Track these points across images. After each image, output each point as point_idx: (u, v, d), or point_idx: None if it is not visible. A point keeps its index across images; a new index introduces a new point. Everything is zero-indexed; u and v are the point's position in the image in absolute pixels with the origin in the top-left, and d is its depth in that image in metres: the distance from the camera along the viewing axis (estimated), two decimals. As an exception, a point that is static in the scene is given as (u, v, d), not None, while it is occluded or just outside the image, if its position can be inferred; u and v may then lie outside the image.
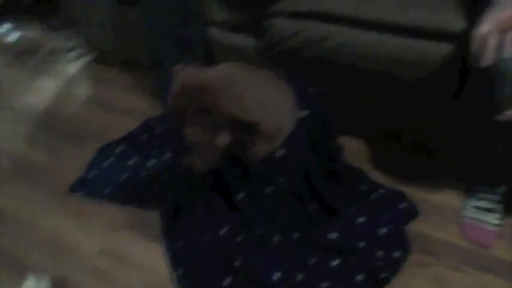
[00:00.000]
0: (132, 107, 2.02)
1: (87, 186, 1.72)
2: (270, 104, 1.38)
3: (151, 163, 1.77)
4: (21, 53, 2.39)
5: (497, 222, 1.46)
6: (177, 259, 1.50)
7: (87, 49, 2.31)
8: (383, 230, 1.44)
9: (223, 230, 1.48)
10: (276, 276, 1.36)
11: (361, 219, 1.47)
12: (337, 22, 1.53)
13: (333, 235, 1.44)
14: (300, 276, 1.36)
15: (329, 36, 1.55)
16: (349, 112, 1.72)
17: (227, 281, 1.38)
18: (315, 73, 1.66)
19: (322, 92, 1.50)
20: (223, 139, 1.36)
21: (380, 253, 1.39)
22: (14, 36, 2.47)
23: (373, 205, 1.52)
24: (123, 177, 1.73)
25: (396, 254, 1.40)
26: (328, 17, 1.54)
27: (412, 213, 1.52)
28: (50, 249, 1.56)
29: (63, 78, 2.23)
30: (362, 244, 1.41)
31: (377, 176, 1.62)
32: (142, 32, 1.82)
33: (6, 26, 2.53)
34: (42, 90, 2.17)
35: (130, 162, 1.78)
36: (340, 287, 1.34)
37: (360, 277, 1.35)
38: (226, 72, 1.40)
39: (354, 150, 1.71)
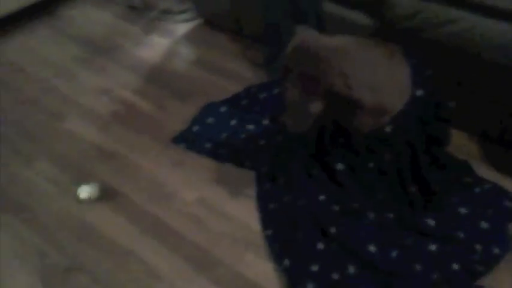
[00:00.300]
0: (235, 72, 2.07)
1: (189, 140, 1.80)
2: (379, 82, 1.37)
3: (250, 127, 1.82)
4: (135, 9, 2.51)
5: None
6: (269, 220, 1.54)
7: (197, 13, 2.39)
8: (485, 225, 1.41)
9: (321, 198, 1.50)
10: (371, 248, 1.36)
11: (463, 210, 1.44)
12: (465, 7, 1.48)
13: (431, 221, 1.42)
14: (394, 253, 1.36)
15: (454, 20, 1.50)
16: (460, 104, 1.68)
17: (320, 245, 1.40)
18: (430, 57, 1.63)
19: (438, 76, 1.47)
20: (316, 107, 1.38)
21: (478, 246, 1.36)
22: (130, -7, 2.59)
23: (477, 198, 1.48)
24: (224, 136, 1.79)
25: (495, 250, 1.36)
26: (455, 0, 1.50)
27: None
28: (150, 191, 1.65)
29: (172, 37, 2.33)
30: (461, 235, 1.38)
31: (483, 172, 1.57)
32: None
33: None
34: (152, 46, 2.28)
35: (232, 123, 1.83)
36: (434, 271, 1.32)
37: (455, 266, 1.33)
38: (343, 44, 1.40)
39: (460, 144, 1.66)
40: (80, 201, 1.60)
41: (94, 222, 1.57)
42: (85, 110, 1.96)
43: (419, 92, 1.39)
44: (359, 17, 1.77)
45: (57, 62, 2.22)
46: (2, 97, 2.05)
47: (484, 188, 1.50)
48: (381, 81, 1.38)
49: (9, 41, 2.36)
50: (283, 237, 1.48)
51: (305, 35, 1.39)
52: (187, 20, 2.42)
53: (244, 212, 1.56)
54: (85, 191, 1.61)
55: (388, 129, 1.39)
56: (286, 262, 1.40)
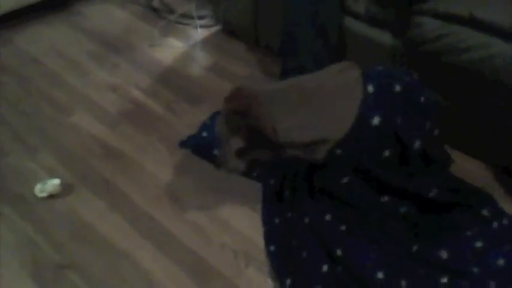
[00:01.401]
0: (249, 82, 2.03)
1: (196, 145, 1.75)
2: (312, 121, 1.40)
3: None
4: (154, 11, 2.49)
5: None
6: (272, 235, 1.48)
7: (216, 20, 2.37)
8: (501, 261, 1.34)
9: (328, 217, 1.45)
10: (379, 275, 1.30)
11: (479, 244, 1.38)
12: (495, 33, 1.44)
13: (444, 253, 1.36)
14: (404, 283, 1.29)
15: (481, 45, 1.46)
16: (474, 131, 1.63)
17: (325, 268, 1.34)
18: (449, 81, 1.59)
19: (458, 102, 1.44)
20: (236, 143, 1.43)
21: (493, 283, 1.29)
22: (151, -5, 2.58)
23: (494, 233, 1.41)
24: (232, 144, 1.75)
25: None
26: (486, 25, 1.46)
27: None
28: (152, 194, 1.60)
29: (189, 42, 2.30)
30: (476, 269, 1.32)
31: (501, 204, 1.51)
32: (280, 10, 1.84)
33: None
34: (168, 49, 2.25)
35: (241, 133, 1.79)
36: None
37: None
38: (284, 88, 1.47)
39: (477, 173, 1.61)
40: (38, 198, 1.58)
41: (91, 221, 1.52)
42: (94, 106, 1.93)
43: (376, 120, 1.36)
44: (381, 36, 1.74)
45: (71, 56, 2.19)
46: (12, 86, 2.02)
47: (502, 223, 1.44)
48: (317, 118, 1.41)
49: (24, 31, 2.34)
50: (286, 254, 1.42)
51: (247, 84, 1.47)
52: (205, 26, 2.40)
53: (248, 225, 1.51)
54: (42, 189, 1.58)
55: (338, 152, 1.39)
56: (288, 281, 1.34)
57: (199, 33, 2.36)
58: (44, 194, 1.56)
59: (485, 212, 1.46)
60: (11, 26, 2.35)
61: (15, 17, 2.35)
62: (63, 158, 1.71)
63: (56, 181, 1.58)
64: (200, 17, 2.43)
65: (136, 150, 1.75)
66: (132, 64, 2.15)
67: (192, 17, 2.43)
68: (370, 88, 1.40)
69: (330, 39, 1.78)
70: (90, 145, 1.77)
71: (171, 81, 2.06)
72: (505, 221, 1.44)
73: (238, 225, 1.51)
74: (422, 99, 1.45)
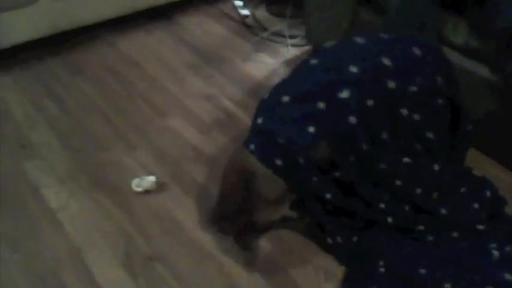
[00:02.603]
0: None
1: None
2: None
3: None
4: (249, 27, 2.60)
5: None
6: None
7: (307, 40, 2.43)
8: None
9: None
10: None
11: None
12: None
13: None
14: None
15: None
16: None
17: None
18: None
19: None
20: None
21: None
22: (245, 12, 2.69)
23: None
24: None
25: None
26: None
27: None
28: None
29: (279, 59, 2.38)
30: None
31: None
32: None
33: (239, 3, 2.77)
34: (260, 64, 2.34)
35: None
36: None
37: None
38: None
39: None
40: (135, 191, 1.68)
41: (182, 219, 1.61)
42: (189, 112, 2.04)
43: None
44: (479, 69, 1.72)
45: (169, 63, 2.33)
46: (115, 86, 2.18)
47: None
48: None
49: (127, 37, 2.52)
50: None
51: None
52: (296, 45, 2.47)
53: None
54: (139, 184, 1.68)
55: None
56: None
57: (290, 52, 2.44)
58: (140, 189, 1.67)
59: None
60: (115, 31, 2.54)
61: (119, 22, 2.53)
62: (158, 157, 1.82)
63: (152, 178, 1.68)
64: (291, 36, 2.51)
65: (225, 156, 1.82)
66: (226, 76, 2.25)
67: (283, 36, 2.52)
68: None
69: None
70: (184, 148, 1.87)
71: (261, 95, 2.12)
72: None
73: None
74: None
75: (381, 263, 1.43)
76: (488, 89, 1.70)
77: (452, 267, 1.40)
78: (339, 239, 1.48)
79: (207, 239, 1.54)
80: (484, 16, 1.66)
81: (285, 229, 1.57)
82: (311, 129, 1.37)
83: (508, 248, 1.43)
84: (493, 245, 1.45)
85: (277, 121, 1.44)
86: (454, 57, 1.78)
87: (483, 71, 1.71)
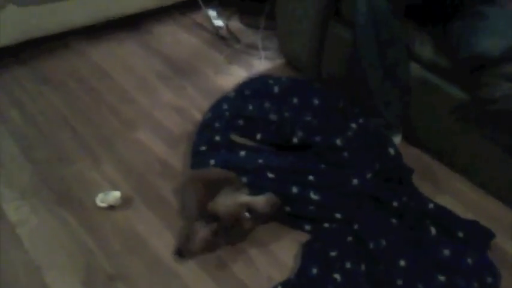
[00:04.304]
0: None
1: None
2: None
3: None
4: (222, 39, 2.58)
5: None
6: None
7: (280, 53, 2.42)
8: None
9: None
10: None
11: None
12: None
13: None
14: None
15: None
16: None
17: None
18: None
19: None
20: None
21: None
22: (219, 23, 2.67)
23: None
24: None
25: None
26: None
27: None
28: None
29: (252, 71, 2.37)
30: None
31: None
32: (345, 50, 1.87)
33: (213, 13, 2.75)
34: (232, 76, 2.31)
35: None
36: None
37: None
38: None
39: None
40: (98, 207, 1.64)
41: (146, 236, 1.57)
42: (158, 124, 2.00)
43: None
44: (451, 89, 1.73)
45: (140, 74, 2.29)
46: (82, 97, 2.13)
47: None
48: None
49: (96, 46, 2.46)
50: None
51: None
52: (269, 58, 2.46)
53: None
54: (103, 200, 1.64)
55: None
56: None
57: (263, 64, 2.42)
58: (104, 205, 1.62)
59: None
60: (85, 40, 2.48)
61: (90, 31, 2.47)
62: (124, 171, 1.78)
63: (117, 193, 1.64)
64: (265, 48, 2.50)
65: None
66: (197, 88, 2.22)
67: (257, 48, 2.50)
68: None
69: (399, 81, 1.79)
70: (150, 161, 1.83)
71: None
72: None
73: (286, 259, 1.52)
74: None
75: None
76: (460, 107, 1.71)
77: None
78: None
79: (171, 258, 1.51)
80: (447, 42, 1.68)
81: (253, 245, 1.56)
82: None
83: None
84: None
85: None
86: (421, 72, 1.79)
87: (451, 88, 1.73)
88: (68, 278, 1.44)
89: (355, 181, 1.59)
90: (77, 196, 1.68)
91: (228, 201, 1.48)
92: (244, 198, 1.50)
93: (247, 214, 1.45)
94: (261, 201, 1.48)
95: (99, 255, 1.51)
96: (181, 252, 1.49)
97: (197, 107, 2.09)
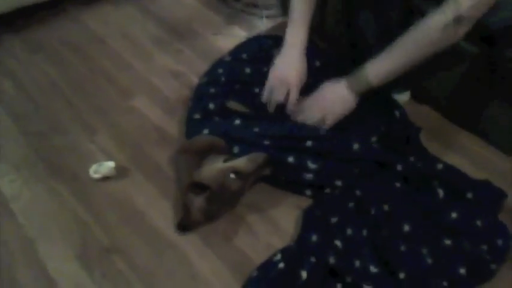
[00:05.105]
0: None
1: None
2: None
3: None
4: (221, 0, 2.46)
5: None
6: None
7: (281, 11, 2.30)
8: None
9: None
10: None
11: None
12: None
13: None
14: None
15: None
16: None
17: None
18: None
19: None
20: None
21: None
22: (218, -18, 2.55)
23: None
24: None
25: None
26: None
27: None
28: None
29: (252, 31, 2.25)
30: None
31: None
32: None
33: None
34: (231, 38, 2.20)
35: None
36: None
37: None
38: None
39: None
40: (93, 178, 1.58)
41: (142, 207, 1.52)
42: (154, 91, 1.92)
43: None
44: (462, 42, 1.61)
45: (136, 39, 2.20)
46: (77, 65, 2.05)
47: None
48: None
49: (92, 11, 2.37)
50: None
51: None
52: (271, 17, 2.34)
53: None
54: (96, 171, 1.58)
55: None
56: None
57: (264, 23, 2.31)
58: (98, 176, 1.57)
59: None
60: (80, 5, 2.39)
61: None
62: (120, 140, 1.72)
63: (111, 164, 1.58)
64: (265, 7, 2.38)
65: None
66: (195, 51, 2.13)
67: (257, 7, 2.38)
68: None
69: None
70: (147, 129, 1.76)
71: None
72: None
73: (289, 228, 1.46)
74: None
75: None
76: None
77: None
78: None
79: (168, 228, 1.46)
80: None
81: (253, 212, 1.50)
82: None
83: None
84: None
85: None
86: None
87: (464, 42, 1.60)
88: (63, 252, 1.40)
89: (356, 146, 1.50)
90: (71, 168, 1.63)
91: (212, 167, 1.41)
92: (227, 162, 1.43)
93: (232, 175, 1.38)
94: (243, 160, 1.41)
95: (94, 227, 1.46)
96: (183, 227, 1.43)
97: (195, 71, 2.00)
